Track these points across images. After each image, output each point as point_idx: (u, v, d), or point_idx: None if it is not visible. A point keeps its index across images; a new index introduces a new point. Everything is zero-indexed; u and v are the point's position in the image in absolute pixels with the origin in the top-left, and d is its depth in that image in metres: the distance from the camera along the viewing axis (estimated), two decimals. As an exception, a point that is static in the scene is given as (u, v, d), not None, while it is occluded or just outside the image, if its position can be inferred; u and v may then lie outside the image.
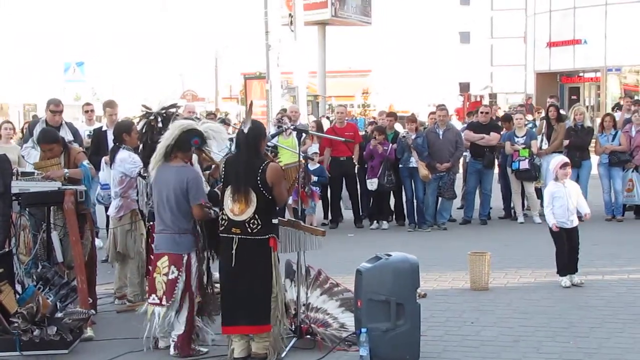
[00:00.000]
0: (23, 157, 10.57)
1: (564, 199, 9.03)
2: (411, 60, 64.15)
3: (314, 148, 13.24)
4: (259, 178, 6.52)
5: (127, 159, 8.30)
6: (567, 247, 9.04)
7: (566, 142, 13.78)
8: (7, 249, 7.46)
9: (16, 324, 6.86)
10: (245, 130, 6.67)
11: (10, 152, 9.07)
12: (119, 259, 8.63)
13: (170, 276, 6.77)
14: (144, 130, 7.81)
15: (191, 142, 6.88)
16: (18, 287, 7.57)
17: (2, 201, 7.42)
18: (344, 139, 11.78)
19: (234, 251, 6.54)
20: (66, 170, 8.00)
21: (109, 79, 54.31)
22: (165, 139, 6.87)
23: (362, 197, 14.00)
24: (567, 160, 9.32)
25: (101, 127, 11.73)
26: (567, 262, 9.03)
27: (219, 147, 7.34)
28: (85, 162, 8.18)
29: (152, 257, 7.20)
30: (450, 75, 60.51)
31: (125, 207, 8.48)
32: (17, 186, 7.48)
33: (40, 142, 8.39)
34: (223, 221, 6.63)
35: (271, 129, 13.77)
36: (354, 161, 13.79)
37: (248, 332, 6.61)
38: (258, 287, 6.57)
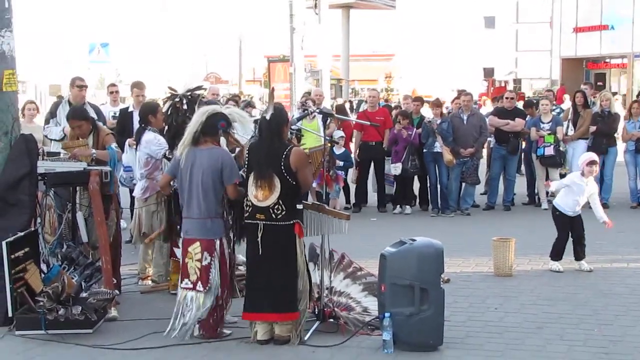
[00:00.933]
0: (46, 136, 10.63)
1: (579, 194, 9.04)
2: (435, 45, 63.79)
3: (339, 132, 13.21)
4: (282, 164, 6.51)
5: (153, 141, 8.31)
6: (574, 236, 9.14)
7: (593, 128, 13.67)
8: (32, 229, 7.52)
9: (41, 303, 6.91)
10: (268, 117, 6.66)
11: (35, 131, 9.09)
12: (143, 240, 8.67)
13: (204, 262, 6.72)
14: (169, 112, 7.82)
15: (218, 125, 6.86)
16: (43, 267, 7.63)
17: (28, 181, 7.49)
18: (370, 123, 11.71)
19: (259, 238, 6.55)
20: (94, 150, 7.98)
21: (133, 60, 54.46)
22: (192, 125, 6.84)
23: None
24: (595, 158, 9.26)
25: (127, 108, 11.72)
26: (562, 248, 9.20)
27: (244, 131, 7.32)
28: (114, 145, 8.13)
29: (178, 240, 7.21)
30: (474, 60, 60.13)
31: (151, 188, 8.50)
32: (42, 166, 7.52)
33: (70, 118, 8.33)
34: (247, 207, 6.63)
35: (295, 113, 13.74)
36: (384, 146, 13.73)
37: (273, 319, 6.61)
38: (284, 274, 6.57)
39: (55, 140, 10.27)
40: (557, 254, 9.17)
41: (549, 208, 13.54)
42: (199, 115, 6.88)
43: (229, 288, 7.00)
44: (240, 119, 7.08)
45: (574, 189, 9.11)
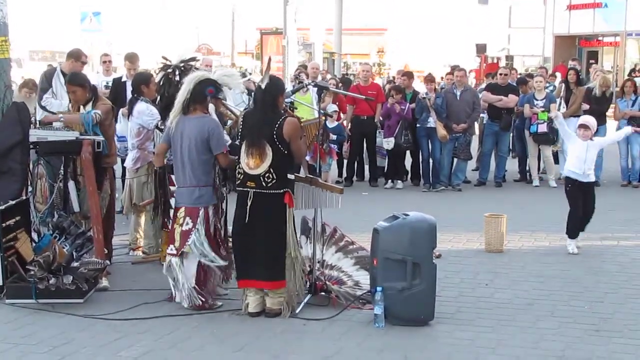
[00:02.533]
0: (44, 108, 10.38)
1: (581, 151, 8.91)
2: (428, 20, 63.54)
3: (333, 106, 13.18)
4: (275, 132, 6.50)
5: (145, 111, 8.27)
6: (582, 211, 8.98)
7: (586, 107, 13.65)
8: (24, 197, 7.48)
9: (32, 272, 6.90)
10: (263, 86, 6.64)
11: (28, 102, 9.01)
12: (134, 210, 8.65)
13: (185, 227, 6.79)
14: (161, 83, 7.77)
15: (205, 92, 6.86)
16: (34, 236, 7.61)
17: (20, 149, 7.44)
18: (364, 97, 11.69)
19: (248, 206, 6.54)
20: (61, 115, 7.80)
21: (125, 30, 54.05)
22: (181, 94, 6.87)
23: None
24: (586, 122, 9.14)
25: (120, 78, 11.61)
26: (575, 225, 8.98)
27: (235, 92, 7.30)
28: (95, 111, 7.72)
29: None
30: (466, 36, 59.92)
31: (142, 158, 8.47)
32: (35, 135, 7.47)
33: (67, 82, 8.20)
34: (239, 175, 6.64)
35: (288, 86, 13.69)
36: (375, 121, 13.70)
37: (263, 286, 6.64)
38: (272, 242, 6.59)
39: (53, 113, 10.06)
40: (571, 230, 8.99)
41: (540, 185, 13.66)
42: (187, 83, 6.89)
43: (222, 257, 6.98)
44: (228, 80, 7.06)
45: (575, 147, 9.01)
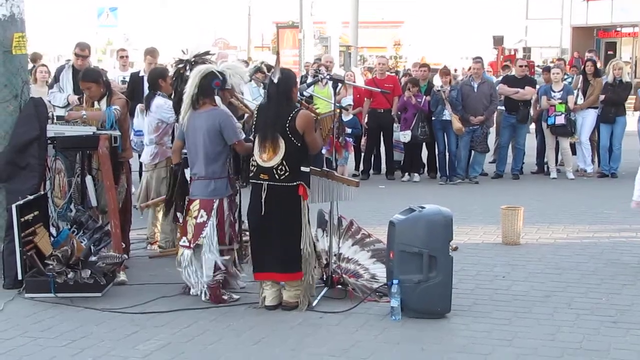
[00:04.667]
0: (49, 101, 10.45)
1: None
2: (444, 12, 63.32)
3: (348, 100, 13.17)
4: (287, 125, 6.51)
5: (163, 106, 8.30)
6: None
7: (602, 97, 13.59)
8: (42, 192, 7.53)
9: (51, 266, 6.95)
10: (275, 80, 6.65)
11: (45, 95, 9.06)
12: (144, 208, 8.67)
13: (199, 220, 6.82)
14: (174, 78, 7.79)
15: (212, 85, 6.88)
16: (53, 230, 7.66)
17: (37, 144, 7.48)
18: (380, 90, 11.67)
19: (262, 199, 6.56)
20: (84, 112, 7.81)
21: (141, 25, 54.17)
22: (189, 89, 6.90)
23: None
24: None
25: (138, 72, 11.61)
26: None
27: (239, 82, 7.31)
28: (114, 107, 7.78)
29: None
30: (484, 28, 59.68)
31: (160, 154, 8.50)
32: (52, 130, 7.51)
33: (80, 79, 8.18)
34: (253, 167, 6.65)
35: (308, 79, 13.70)
36: (392, 114, 13.69)
37: (279, 279, 6.66)
38: (287, 234, 6.60)
39: (58, 107, 10.13)
40: None
41: (557, 177, 13.60)
42: (193, 77, 6.92)
43: (229, 252, 7.00)
44: (234, 72, 7.07)
45: None
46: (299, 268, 6.64)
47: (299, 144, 6.56)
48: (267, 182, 6.57)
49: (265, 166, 6.56)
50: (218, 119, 6.81)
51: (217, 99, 7.00)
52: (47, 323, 6.38)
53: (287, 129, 6.52)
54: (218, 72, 6.94)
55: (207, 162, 6.81)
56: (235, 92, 7.42)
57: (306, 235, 6.67)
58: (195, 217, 6.84)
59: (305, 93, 7.76)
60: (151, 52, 11.65)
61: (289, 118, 6.53)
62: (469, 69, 15.11)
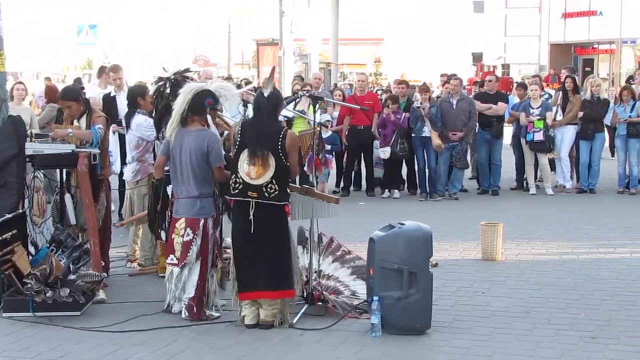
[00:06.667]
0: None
1: None
2: (424, 29, 63.62)
3: (326, 116, 13.20)
4: (279, 143, 6.49)
5: (144, 124, 8.30)
6: None
7: (580, 113, 13.70)
8: (20, 210, 7.49)
9: (29, 285, 6.89)
10: (266, 94, 6.63)
11: (23, 113, 9.03)
12: (129, 224, 8.65)
13: (186, 238, 6.80)
14: (154, 96, 7.79)
15: (205, 103, 6.86)
16: (31, 249, 7.61)
17: (16, 162, 7.45)
18: (359, 107, 11.70)
19: (251, 216, 6.53)
20: (70, 130, 7.76)
21: (121, 42, 54.10)
22: (180, 105, 6.83)
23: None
24: None
25: (109, 93, 11.48)
26: None
27: (231, 105, 7.31)
28: (98, 125, 7.79)
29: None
30: (463, 45, 60.03)
31: (142, 171, 8.49)
32: (31, 148, 7.48)
33: (59, 98, 8.17)
34: (237, 184, 6.56)
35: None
36: (372, 130, 13.72)
37: (271, 297, 6.59)
38: (278, 252, 6.59)
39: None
40: None
41: (537, 193, 13.67)
42: (185, 93, 6.87)
43: (206, 270, 6.98)
44: (226, 93, 7.06)
45: None
46: (291, 285, 6.64)
47: (287, 163, 6.55)
48: (255, 200, 6.53)
49: (254, 184, 6.51)
50: (207, 140, 6.79)
51: (209, 118, 6.98)
52: (26, 342, 6.33)
53: (279, 146, 6.50)
54: (211, 91, 6.90)
55: (194, 181, 6.79)
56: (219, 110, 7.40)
57: (295, 253, 6.68)
58: (182, 235, 6.81)
59: (287, 114, 7.79)
60: (113, 69, 11.46)
61: (281, 136, 6.52)
62: (443, 84, 15.17)
